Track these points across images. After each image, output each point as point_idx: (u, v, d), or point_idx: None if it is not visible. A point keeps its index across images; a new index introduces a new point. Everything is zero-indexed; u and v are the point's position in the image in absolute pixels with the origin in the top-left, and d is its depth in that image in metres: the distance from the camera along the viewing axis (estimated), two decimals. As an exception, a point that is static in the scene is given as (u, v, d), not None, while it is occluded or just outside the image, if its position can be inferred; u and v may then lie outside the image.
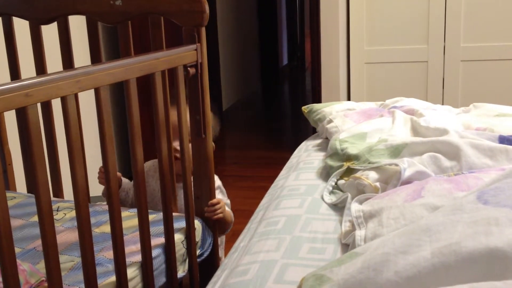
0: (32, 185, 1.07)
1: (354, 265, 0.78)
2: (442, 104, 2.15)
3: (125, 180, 1.85)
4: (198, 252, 1.67)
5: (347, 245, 1.10)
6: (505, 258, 0.66)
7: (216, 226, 1.76)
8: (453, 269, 0.69)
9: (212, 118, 1.78)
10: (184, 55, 1.53)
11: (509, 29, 3.30)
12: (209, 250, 1.73)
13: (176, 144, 1.69)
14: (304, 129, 4.65)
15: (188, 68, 1.55)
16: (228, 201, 1.87)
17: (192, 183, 1.68)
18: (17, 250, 1.51)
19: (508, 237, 0.69)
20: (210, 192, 1.71)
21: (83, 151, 1.81)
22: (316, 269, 0.88)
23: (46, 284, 1.23)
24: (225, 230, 1.83)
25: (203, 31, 1.58)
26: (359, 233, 1.05)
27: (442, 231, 0.76)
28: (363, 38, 3.51)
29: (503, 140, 1.40)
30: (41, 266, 1.36)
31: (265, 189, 1.64)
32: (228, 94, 6.13)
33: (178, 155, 1.71)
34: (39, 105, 1.06)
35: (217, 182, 1.86)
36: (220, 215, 1.71)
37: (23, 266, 1.27)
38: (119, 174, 1.77)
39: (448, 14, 3.35)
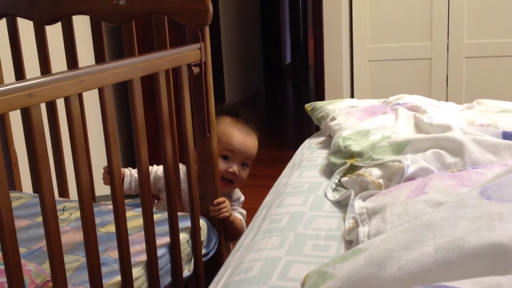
0: (36, 185, 1.07)
1: (357, 261, 0.78)
2: (446, 101, 2.15)
3: (127, 172, 1.84)
4: (203, 251, 1.67)
5: (350, 242, 1.10)
6: (508, 253, 0.66)
7: (221, 225, 1.76)
8: (456, 265, 0.69)
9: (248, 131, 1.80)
10: (188, 54, 1.53)
11: (513, 25, 3.30)
12: (214, 249, 1.73)
13: (234, 168, 1.75)
14: (307, 128, 4.65)
15: (192, 67, 1.55)
16: (245, 212, 1.87)
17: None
18: (23, 250, 1.52)
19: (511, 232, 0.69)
20: (215, 191, 1.71)
21: (88, 151, 1.82)
22: (320, 265, 0.88)
23: (51, 284, 1.23)
24: (236, 237, 1.82)
25: (207, 30, 1.58)
26: (363, 230, 1.05)
27: (445, 226, 0.76)
28: (366, 35, 3.51)
29: (507, 136, 1.40)
30: (47, 266, 1.37)
31: (268, 187, 1.64)
32: (231, 93, 6.13)
33: (233, 178, 1.77)
34: (43, 105, 1.06)
35: (242, 197, 1.88)
36: (226, 214, 1.71)
37: (28, 266, 1.27)
38: (123, 170, 1.76)
39: (451, 10, 3.35)
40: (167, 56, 1.44)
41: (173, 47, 1.51)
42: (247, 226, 1.38)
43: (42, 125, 1.05)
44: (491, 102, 1.86)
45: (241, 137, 1.78)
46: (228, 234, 1.80)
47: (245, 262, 1.09)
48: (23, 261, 1.24)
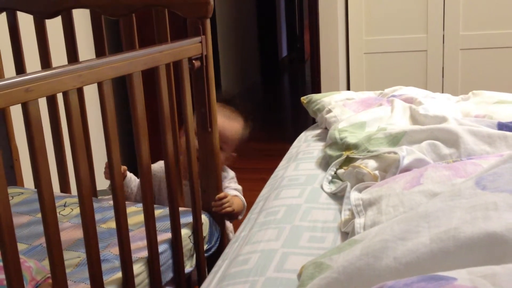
0: (35, 181, 1.07)
1: (353, 252, 0.79)
2: (442, 93, 2.15)
3: (130, 176, 1.84)
4: (205, 247, 1.67)
5: (346, 234, 1.11)
6: (503, 243, 0.67)
7: (224, 220, 1.76)
8: (452, 255, 0.69)
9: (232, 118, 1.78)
10: (189, 47, 1.51)
11: (508, 16, 3.29)
12: (216, 245, 1.72)
13: None
14: (304, 121, 4.65)
15: (193, 61, 1.54)
16: (240, 187, 1.87)
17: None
18: (23, 246, 1.51)
19: (507, 221, 0.69)
20: (217, 186, 1.70)
21: (89, 146, 1.81)
22: (316, 257, 0.89)
23: (51, 281, 1.24)
24: (236, 217, 1.82)
25: (208, 23, 1.57)
26: (359, 221, 1.06)
27: (440, 217, 0.76)
28: (362, 28, 3.51)
29: (502, 126, 1.40)
30: (48, 262, 1.37)
31: (265, 181, 1.64)
32: (227, 86, 6.11)
33: None
34: (44, 100, 1.05)
35: (231, 172, 1.88)
36: (228, 209, 1.70)
37: (29, 263, 1.27)
38: (124, 167, 1.77)
39: (446, 2, 3.35)
40: (168, 49, 1.43)
41: (174, 41, 1.50)
42: (244, 218, 1.39)
43: (40, 120, 1.04)
44: (487, 93, 1.86)
45: (220, 119, 1.74)
46: (229, 216, 1.79)
47: (242, 254, 1.09)
48: (23, 258, 1.24)
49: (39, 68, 1.80)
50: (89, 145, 1.81)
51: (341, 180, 1.37)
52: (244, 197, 1.85)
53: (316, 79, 3.67)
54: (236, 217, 1.82)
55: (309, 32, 3.82)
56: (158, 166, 1.83)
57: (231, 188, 1.84)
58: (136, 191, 1.82)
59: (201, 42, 1.55)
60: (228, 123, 1.80)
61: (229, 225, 1.91)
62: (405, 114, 1.65)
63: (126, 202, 1.38)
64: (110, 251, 1.46)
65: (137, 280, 1.38)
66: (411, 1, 3.40)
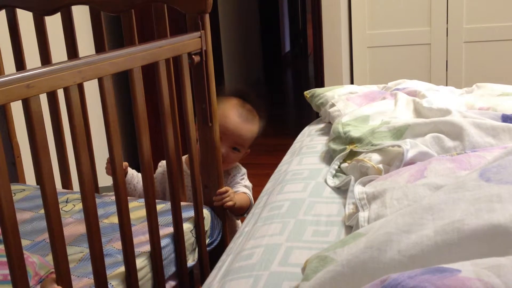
0: (37, 177, 1.07)
1: (357, 245, 0.78)
2: (446, 86, 2.15)
3: (133, 173, 1.84)
4: (207, 241, 1.67)
5: (351, 227, 1.10)
6: (508, 234, 0.67)
7: (225, 214, 1.76)
8: (456, 247, 0.69)
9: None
10: (188, 42, 1.51)
11: (512, 9, 3.28)
12: (218, 238, 1.73)
13: (222, 150, 1.75)
14: (308, 116, 4.64)
15: (193, 56, 1.54)
16: (250, 184, 1.87)
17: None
18: (26, 242, 1.52)
19: (511, 213, 0.69)
20: (218, 180, 1.70)
21: (90, 142, 1.81)
22: (320, 251, 0.88)
23: (55, 276, 1.24)
24: (241, 213, 1.82)
25: (207, 18, 1.56)
26: (363, 215, 1.06)
27: (444, 209, 0.76)
28: (365, 22, 3.50)
29: (506, 119, 1.40)
30: (51, 258, 1.37)
31: (269, 176, 1.64)
32: (231, 82, 6.11)
33: None
34: (44, 96, 1.05)
35: (243, 169, 1.89)
36: (229, 203, 1.70)
37: (32, 258, 1.28)
38: (125, 163, 1.77)
39: (450, -5, 3.34)
40: (167, 44, 1.42)
41: (173, 36, 1.50)
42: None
43: (42, 116, 1.05)
44: (491, 86, 1.86)
45: (237, 122, 1.78)
46: (235, 212, 1.79)
47: (246, 249, 1.09)
48: (27, 253, 1.24)
49: (39, 65, 1.80)
50: (90, 141, 1.81)
51: (344, 174, 1.37)
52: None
53: (319, 74, 3.66)
54: (242, 214, 1.82)
55: (312, 27, 3.82)
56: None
57: (242, 184, 1.84)
58: (139, 188, 1.82)
59: (200, 37, 1.55)
60: (246, 126, 1.80)
61: (239, 223, 1.91)
62: (409, 107, 1.65)
63: (128, 197, 1.38)
64: (112, 246, 1.47)
65: (140, 274, 1.39)
66: (414, -6, 3.39)
